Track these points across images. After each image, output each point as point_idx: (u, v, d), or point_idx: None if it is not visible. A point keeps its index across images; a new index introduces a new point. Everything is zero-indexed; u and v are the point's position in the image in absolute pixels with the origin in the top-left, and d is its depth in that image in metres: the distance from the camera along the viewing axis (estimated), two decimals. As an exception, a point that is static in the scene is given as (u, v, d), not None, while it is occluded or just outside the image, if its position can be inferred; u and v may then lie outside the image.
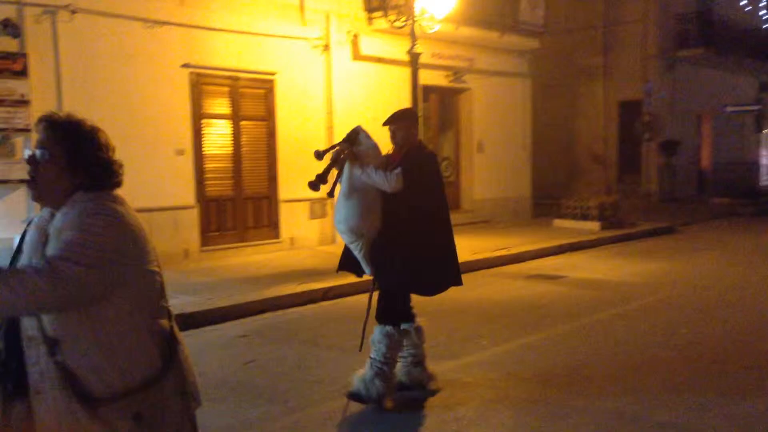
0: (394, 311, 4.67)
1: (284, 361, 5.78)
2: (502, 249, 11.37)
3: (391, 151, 4.82)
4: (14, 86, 8.43)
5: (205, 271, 9.46)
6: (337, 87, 11.93)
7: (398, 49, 11.69)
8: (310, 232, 11.71)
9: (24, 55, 8.53)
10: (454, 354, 5.91)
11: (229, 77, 10.68)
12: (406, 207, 4.51)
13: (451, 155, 14.98)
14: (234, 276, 9.10)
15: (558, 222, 14.54)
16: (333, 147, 4.61)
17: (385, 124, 4.74)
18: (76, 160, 2.13)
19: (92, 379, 2.03)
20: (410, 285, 4.66)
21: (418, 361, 4.90)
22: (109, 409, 2.03)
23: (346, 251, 4.80)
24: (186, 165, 10.16)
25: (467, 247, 11.44)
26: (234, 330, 6.91)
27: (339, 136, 11.85)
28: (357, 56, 12.22)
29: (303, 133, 11.51)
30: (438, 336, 6.50)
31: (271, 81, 11.16)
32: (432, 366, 5.53)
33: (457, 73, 14.05)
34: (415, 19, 9.88)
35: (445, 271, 4.73)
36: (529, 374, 5.35)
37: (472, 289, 8.77)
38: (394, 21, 10.68)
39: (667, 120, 19.46)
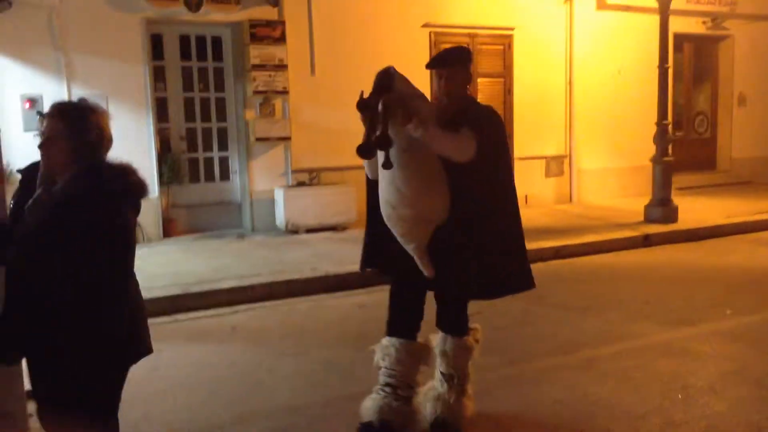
0: (466, 317, 3.72)
1: (508, 315, 5.83)
2: (762, 213, 10.24)
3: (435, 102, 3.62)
4: (274, 51, 9.28)
5: (439, 226, 9.75)
6: (578, 39, 11.46)
7: (648, -5, 10.90)
8: (546, 190, 11.51)
9: (282, 23, 9.33)
10: (691, 321, 5.53)
11: (467, 34, 10.74)
12: (481, 184, 3.38)
13: (707, 110, 13.71)
14: (467, 231, 9.27)
15: (836, 184, 12.73)
16: (373, 96, 3.28)
17: (434, 66, 3.53)
18: None
19: None
20: (486, 288, 3.61)
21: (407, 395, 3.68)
22: None
23: (374, 240, 3.66)
24: (424, 122, 10.48)
25: (721, 209, 10.50)
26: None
27: (578, 91, 11.72)
28: (602, 5, 11.61)
29: (540, 89, 11.27)
30: (675, 301, 6.13)
31: (509, 36, 11.03)
32: (665, 332, 5.25)
33: (716, 18, 12.74)
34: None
35: (522, 271, 3.64)
36: (776, 349, 4.85)
37: (721, 255, 8.07)
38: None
39: None
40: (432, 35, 10.47)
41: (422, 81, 10.42)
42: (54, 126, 2.50)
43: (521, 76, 11.17)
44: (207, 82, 9.48)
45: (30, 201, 2.55)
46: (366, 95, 3.25)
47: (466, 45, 10.77)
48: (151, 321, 5.86)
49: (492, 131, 3.45)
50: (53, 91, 8.12)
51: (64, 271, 2.41)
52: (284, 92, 9.36)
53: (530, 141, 11.24)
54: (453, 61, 3.50)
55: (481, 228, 3.43)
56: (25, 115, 7.95)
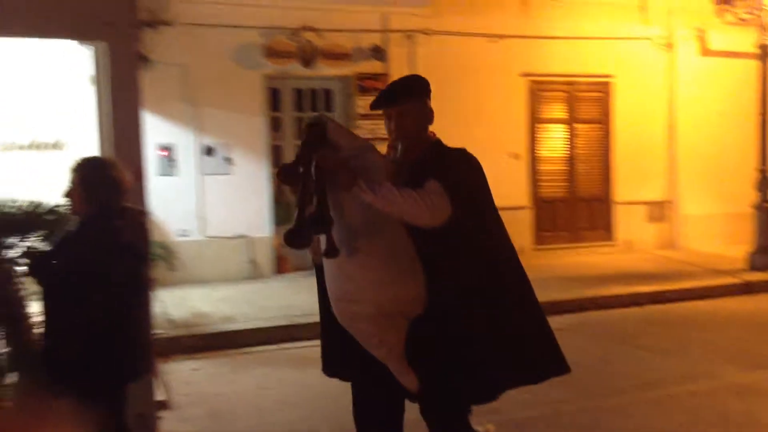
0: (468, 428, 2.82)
1: (590, 353, 6.06)
2: None
3: (387, 153, 2.84)
4: (379, 102, 9.98)
5: (536, 268, 9.77)
6: (680, 85, 11.52)
7: (751, 41, 10.86)
8: (647, 235, 11.50)
9: (387, 75, 10.02)
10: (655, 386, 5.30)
11: (566, 82, 11.07)
12: (465, 250, 2.60)
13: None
14: (562, 274, 9.47)
15: None
16: (300, 159, 2.49)
17: (379, 105, 2.77)
18: None
19: None
20: (484, 390, 2.73)
21: None
22: None
23: (333, 340, 2.87)
24: (521, 168, 10.85)
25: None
26: (552, 323, 7.29)
27: (682, 136, 11.71)
28: (704, 52, 11.63)
29: (641, 135, 11.38)
30: (763, 347, 6.15)
31: (608, 83, 11.26)
32: (745, 375, 5.32)
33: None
34: (763, 8, 9.16)
35: (549, 350, 2.82)
36: None
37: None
38: (742, 13, 9.99)
39: None
40: (530, 83, 10.87)
41: (520, 131, 10.86)
42: (73, 177, 3.06)
43: (621, 122, 11.33)
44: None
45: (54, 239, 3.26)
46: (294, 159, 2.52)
47: (563, 92, 11.11)
48: (260, 348, 6.60)
49: (469, 179, 2.66)
50: (184, 140, 9.13)
51: (62, 303, 2.95)
52: (387, 140, 9.98)
53: (631, 186, 11.34)
54: (402, 94, 2.72)
55: (474, 310, 2.59)
56: (159, 161, 8.98)
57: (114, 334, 2.98)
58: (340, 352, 2.83)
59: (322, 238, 2.45)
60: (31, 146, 8.17)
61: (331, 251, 2.41)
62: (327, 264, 2.60)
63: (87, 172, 3.05)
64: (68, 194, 3.10)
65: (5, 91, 7.77)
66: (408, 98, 2.71)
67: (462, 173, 2.64)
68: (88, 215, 3.02)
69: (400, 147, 2.73)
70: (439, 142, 2.79)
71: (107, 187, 3.03)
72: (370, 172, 2.47)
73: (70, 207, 3.18)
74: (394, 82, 2.80)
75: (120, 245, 3.00)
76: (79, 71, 6.97)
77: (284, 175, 2.49)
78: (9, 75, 7.71)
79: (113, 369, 3.02)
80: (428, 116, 2.76)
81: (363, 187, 2.42)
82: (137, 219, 3.17)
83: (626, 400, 4.89)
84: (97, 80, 4.51)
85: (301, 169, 2.42)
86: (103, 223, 2.99)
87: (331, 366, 2.96)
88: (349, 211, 2.49)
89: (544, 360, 2.77)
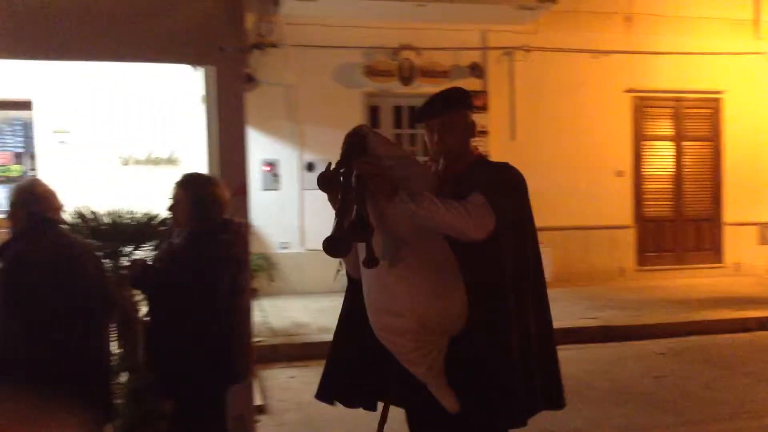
0: None
1: (694, 380, 5.85)
2: None
3: (428, 166, 2.71)
4: (476, 120, 9.98)
5: (638, 290, 9.69)
6: (799, 101, 10.95)
7: None
8: (758, 257, 10.93)
9: (485, 93, 10.06)
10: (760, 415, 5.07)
11: (673, 98, 10.74)
12: (505, 268, 2.49)
13: None
14: (666, 296, 9.15)
15: None
16: (339, 167, 2.41)
17: (421, 117, 2.65)
18: None
19: None
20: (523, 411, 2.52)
21: None
22: None
23: (343, 364, 2.70)
24: (624, 186, 10.58)
25: None
26: (654, 346, 7.10)
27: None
28: (825, 65, 11.00)
29: (753, 153, 10.87)
30: (758, 393, 5.64)
31: (718, 100, 10.83)
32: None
33: None
34: None
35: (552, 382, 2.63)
36: None
37: None
38: None
39: None
40: (635, 99, 10.62)
41: (624, 148, 10.71)
42: (178, 193, 3.19)
43: (732, 140, 10.88)
44: (417, 147, 10.42)
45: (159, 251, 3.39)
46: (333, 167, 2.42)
47: (669, 109, 10.77)
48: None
49: (511, 194, 2.55)
50: (287, 156, 9.50)
51: (169, 311, 3.11)
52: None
53: (742, 206, 10.85)
54: (443, 106, 2.61)
55: (510, 330, 2.46)
56: (263, 176, 9.38)
57: (217, 341, 3.12)
58: (351, 377, 2.67)
59: (362, 248, 2.35)
60: (147, 161, 8.73)
61: (371, 260, 2.29)
62: (366, 275, 2.48)
63: (190, 188, 3.18)
64: (171, 208, 3.27)
65: (126, 109, 8.38)
66: (449, 110, 2.60)
67: (506, 187, 2.54)
68: (191, 228, 3.15)
69: (441, 160, 2.64)
70: (480, 155, 2.74)
71: (208, 202, 3.16)
72: (411, 183, 2.38)
73: (172, 220, 3.36)
74: (435, 94, 2.66)
75: (224, 257, 3.15)
76: (192, 92, 7.44)
77: (323, 182, 2.38)
78: (130, 95, 8.31)
79: (215, 373, 3.15)
80: (470, 129, 2.65)
81: (404, 197, 2.32)
82: (240, 231, 3.34)
83: (729, 428, 4.70)
84: (207, 100, 4.79)
85: (341, 177, 2.35)
86: (208, 237, 3.13)
87: (335, 392, 2.71)
88: (391, 221, 2.38)
89: (550, 388, 2.59)
